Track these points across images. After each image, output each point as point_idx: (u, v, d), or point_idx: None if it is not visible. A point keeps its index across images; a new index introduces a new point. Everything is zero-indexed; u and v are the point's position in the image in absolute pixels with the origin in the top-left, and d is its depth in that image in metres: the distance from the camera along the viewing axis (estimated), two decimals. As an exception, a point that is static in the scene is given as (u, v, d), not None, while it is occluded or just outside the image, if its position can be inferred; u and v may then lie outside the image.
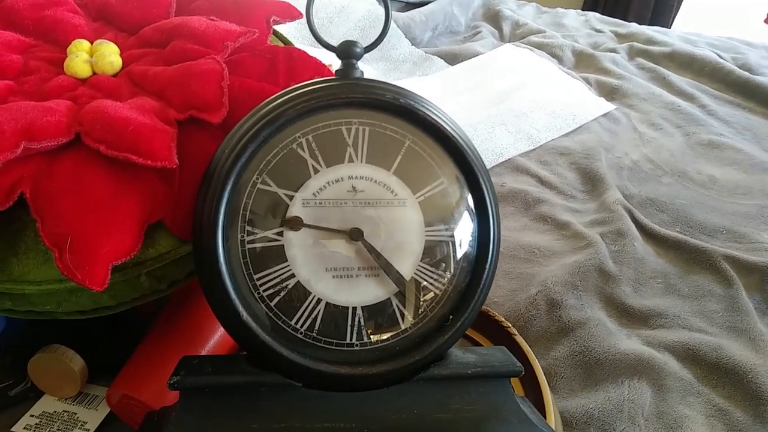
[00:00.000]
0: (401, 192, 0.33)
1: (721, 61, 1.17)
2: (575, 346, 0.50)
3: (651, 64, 1.18)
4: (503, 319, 0.46)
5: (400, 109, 0.33)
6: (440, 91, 0.94)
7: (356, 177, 0.32)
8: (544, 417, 0.40)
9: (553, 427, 0.40)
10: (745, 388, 0.48)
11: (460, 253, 0.34)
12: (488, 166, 0.75)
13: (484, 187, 0.34)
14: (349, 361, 0.32)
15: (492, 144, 0.78)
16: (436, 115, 0.33)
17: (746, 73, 1.12)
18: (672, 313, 0.54)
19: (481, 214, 0.34)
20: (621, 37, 1.33)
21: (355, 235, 0.32)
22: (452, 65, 1.07)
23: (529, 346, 0.46)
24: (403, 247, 0.33)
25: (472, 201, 0.34)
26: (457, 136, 0.34)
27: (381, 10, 1.09)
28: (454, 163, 0.34)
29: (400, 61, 1.06)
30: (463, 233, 0.34)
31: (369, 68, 0.97)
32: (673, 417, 0.45)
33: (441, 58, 1.10)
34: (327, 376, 0.31)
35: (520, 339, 0.44)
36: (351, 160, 0.32)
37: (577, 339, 0.50)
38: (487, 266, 0.34)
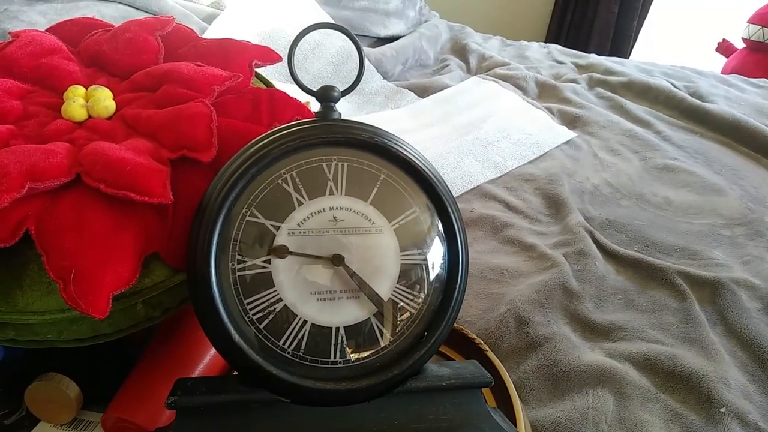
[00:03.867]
0: (378, 220, 0.36)
1: (675, 89, 1.24)
2: (543, 359, 0.53)
3: (609, 94, 1.25)
4: (475, 336, 0.49)
5: (375, 146, 0.36)
6: (411, 122, 0.98)
7: (337, 208, 0.36)
8: (516, 426, 0.43)
9: (524, 435, 0.43)
10: (698, 393, 0.52)
11: (432, 275, 0.37)
12: (458, 193, 0.79)
13: (452, 214, 0.37)
14: (334, 378, 0.35)
15: (461, 172, 0.83)
16: (407, 151, 0.37)
17: (697, 101, 1.19)
18: (631, 326, 0.58)
19: (450, 238, 0.38)
20: (581, 68, 1.40)
21: (336, 260, 0.35)
22: (422, 98, 1.12)
23: (500, 360, 0.49)
24: (380, 271, 0.36)
25: (441, 227, 0.37)
26: (426, 169, 0.37)
27: (353, 47, 1.14)
28: (425, 193, 0.37)
29: (372, 94, 1.11)
30: (435, 257, 0.37)
31: (344, 102, 1.01)
32: (634, 422, 0.48)
33: (411, 90, 1.15)
34: (313, 392, 0.34)
35: (491, 354, 0.48)
36: (331, 193, 0.35)
37: (544, 353, 0.53)
38: (458, 286, 0.37)
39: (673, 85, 1.27)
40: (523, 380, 0.51)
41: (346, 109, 1.00)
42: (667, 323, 0.60)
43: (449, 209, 0.38)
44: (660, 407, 0.51)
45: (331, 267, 0.35)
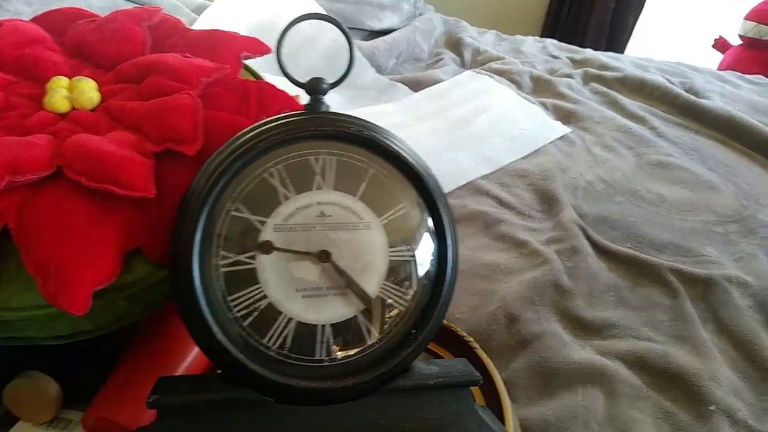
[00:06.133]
0: (366, 216, 0.36)
1: (670, 85, 1.24)
2: (533, 357, 0.53)
3: (604, 89, 1.24)
4: (465, 334, 0.49)
5: (365, 140, 0.35)
6: (404, 116, 0.97)
7: (324, 203, 0.35)
8: (504, 425, 0.43)
9: (513, 433, 0.43)
10: (689, 391, 0.51)
11: (421, 272, 0.36)
12: (450, 189, 0.79)
13: (441, 210, 0.37)
14: (319, 376, 0.34)
15: (454, 167, 0.82)
16: (397, 145, 0.36)
17: (693, 97, 1.19)
18: (623, 323, 0.58)
19: (439, 235, 0.37)
20: (576, 62, 1.39)
21: (323, 257, 0.34)
22: (416, 92, 1.11)
23: (490, 358, 0.49)
24: (368, 267, 0.35)
25: (431, 223, 0.37)
26: (416, 164, 0.36)
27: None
28: (414, 188, 0.37)
29: (365, 88, 1.10)
30: (424, 253, 0.36)
31: (336, 95, 1.00)
32: (624, 420, 0.48)
33: (405, 84, 1.14)
34: (298, 390, 0.33)
35: (480, 352, 0.47)
36: (319, 188, 0.35)
37: (534, 350, 0.53)
38: (447, 283, 0.37)
39: (669, 81, 1.27)
40: (513, 378, 0.51)
41: (338, 102, 0.99)
42: (658, 321, 0.60)
43: (439, 205, 0.37)
44: (650, 405, 0.50)
45: (318, 263, 0.35)
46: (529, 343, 0.54)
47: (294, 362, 0.34)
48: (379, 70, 1.20)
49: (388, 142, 0.36)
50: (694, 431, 0.49)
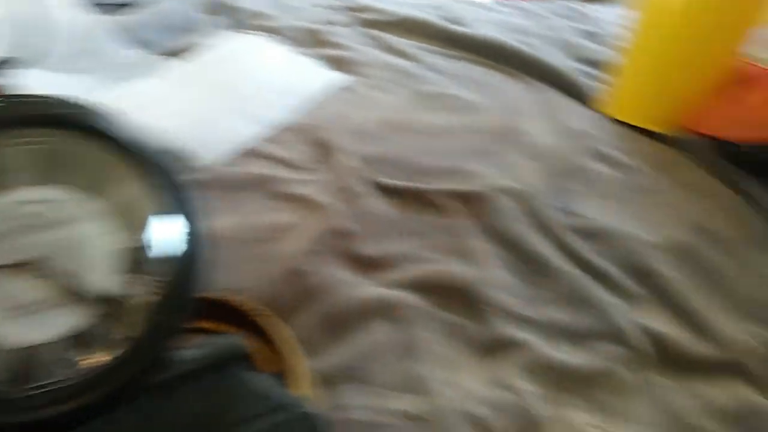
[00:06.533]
0: (86, 207, 0.32)
1: (440, 20, 1.30)
2: (322, 307, 0.53)
3: (378, 33, 1.26)
4: (245, 304, 0.47)
5: (72, 122, 0.32)
6: (167, 90, 0.90)
7: (28, 201, 0.31)
8: (297, 387, 0.42)
9: (308, 392, 0.42)
10: (469, 300, 0.56)
11: (162, 255, 0.34)
12: (222, 155, 0.75)
13: (175, 186, 0.35)
14: (63, 399, 0.30)
15: (226, 134, 0.78)
16: (114, 124, 0.33)
17: (462, 28, 1.27)
18: (406, 253, 0.61)
19: (178, 212, 0.35)
20: (349, 10, 1.40)
21: (37, 265, 0.30)
22: (178, 61, 1.03)
23: (282, 320, 0.48)
24: (98, 264, 0.32)
25: (166, 202, 0.34)
26: (138, 143, 0.34)
27: (87, 19, 1.01)
28: (141, 169, 0.34)
29: (120, 65, 0.99)
30: (162, 235, 0.34)
31: (85, 76, 0.88)
32: (416, 344, 0.51)
33: (166, 56, 1.05)
34: (42, 422, 0.30)
35: (265, 319, 0.46)
36: (19, 185, 0.30)
37: (322, 301, 0.53)
38: (193, 262, 0.35)
39: (441, 18, 1.33)
40: (306, 333, 0.50)
41: (88, 84, 0.87)
42: (438, 243, 0.63)
43: (171, 182, 0.35)
44: (438, 323, 0.54)
45: (30, 274, 0.30)
46: (317, 294, 0.54)
47: (24, 394, 0.30)
48: (135, 44, 1.09)
49: (103, 122, 0.33)
50: (478, 335, 0.53)
